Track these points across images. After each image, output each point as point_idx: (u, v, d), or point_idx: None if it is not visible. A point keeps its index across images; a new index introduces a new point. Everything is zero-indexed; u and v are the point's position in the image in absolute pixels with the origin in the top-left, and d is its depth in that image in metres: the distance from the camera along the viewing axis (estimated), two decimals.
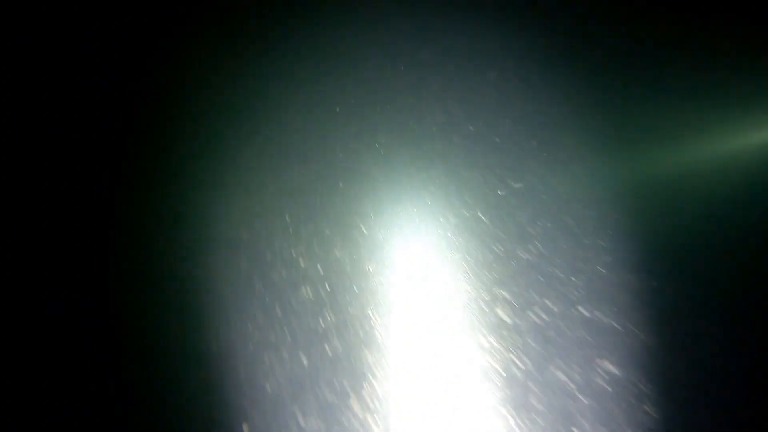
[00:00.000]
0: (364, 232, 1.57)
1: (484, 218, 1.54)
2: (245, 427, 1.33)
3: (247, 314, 1.49)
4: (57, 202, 1.67)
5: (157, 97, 1.86)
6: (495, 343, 1.37)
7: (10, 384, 1.40)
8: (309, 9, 1.99)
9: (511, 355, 1.34)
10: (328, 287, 1.49)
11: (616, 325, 1.34)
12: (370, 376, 1.35)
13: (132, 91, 1.87)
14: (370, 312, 1.45)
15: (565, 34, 1.79)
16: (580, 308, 1.38)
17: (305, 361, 1.40)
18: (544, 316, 1.38)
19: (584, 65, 1.72)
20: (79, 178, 1.71)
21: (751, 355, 1.27)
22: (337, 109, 1.78)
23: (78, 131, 1.78)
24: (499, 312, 1.41)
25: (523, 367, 1.32)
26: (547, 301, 1.40)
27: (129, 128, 1.82)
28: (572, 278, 1.42)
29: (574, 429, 1.23)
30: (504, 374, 1.32)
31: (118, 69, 1.89)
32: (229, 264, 1.58)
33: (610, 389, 1.26)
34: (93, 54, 1.89)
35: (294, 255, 1.57)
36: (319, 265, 1.54)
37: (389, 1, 1.96)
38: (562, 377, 1.29)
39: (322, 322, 1.45)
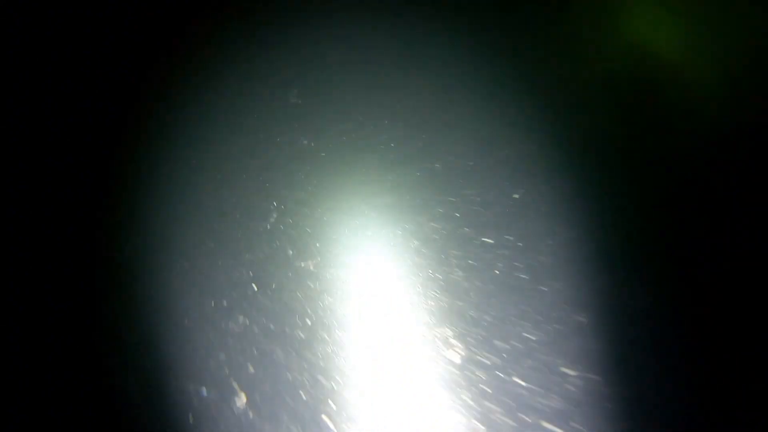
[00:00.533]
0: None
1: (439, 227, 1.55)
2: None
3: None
4: (33, 201, 1.67)
5: (142, 96, 1.87)
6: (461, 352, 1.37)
7: None
8: (298, 10, 2.00)
9: (479, 357, 1.34)
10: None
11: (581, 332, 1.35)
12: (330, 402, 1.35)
13: (114, 89, 1.87)
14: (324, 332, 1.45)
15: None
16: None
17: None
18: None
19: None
20: (64, 176, 1.71)
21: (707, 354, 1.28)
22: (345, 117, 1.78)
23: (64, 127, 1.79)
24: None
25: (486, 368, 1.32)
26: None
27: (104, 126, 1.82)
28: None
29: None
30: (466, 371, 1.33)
31: (106, 66, 1.89)
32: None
33: (574, 390, 1.26)
34: (79, 52, 1.89)
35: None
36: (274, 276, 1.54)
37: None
38: (524, 384, 1.29)
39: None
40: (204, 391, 1.38)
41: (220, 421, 1.34)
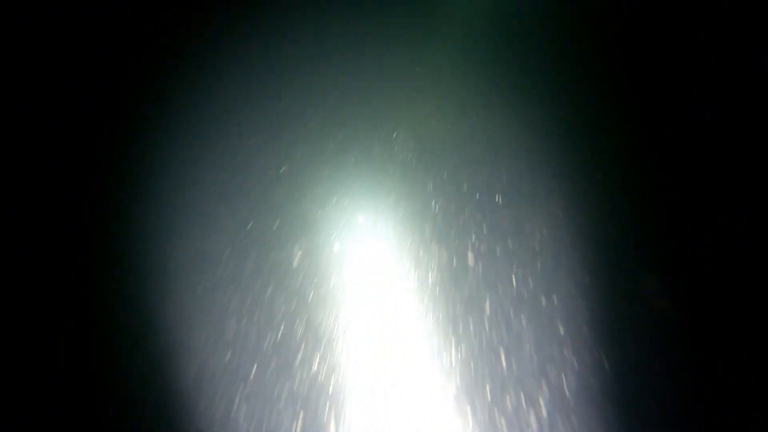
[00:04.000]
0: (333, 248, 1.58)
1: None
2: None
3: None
4: (31, 200, 1.67)
5: (142, 94, 1.87)
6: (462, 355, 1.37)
7: None
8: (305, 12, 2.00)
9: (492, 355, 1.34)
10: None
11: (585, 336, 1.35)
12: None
13: (115, 88, 1.87)
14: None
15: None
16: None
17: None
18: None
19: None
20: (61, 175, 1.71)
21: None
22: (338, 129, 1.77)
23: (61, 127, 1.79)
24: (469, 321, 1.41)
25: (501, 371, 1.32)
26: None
27: (107, 125, 1.82)
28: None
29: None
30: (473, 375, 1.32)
31: (103, 67, 1.89)
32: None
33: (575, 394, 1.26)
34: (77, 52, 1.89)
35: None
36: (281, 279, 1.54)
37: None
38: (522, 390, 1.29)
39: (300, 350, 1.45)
40: (205, 391, 1.38)
41: (221, 422, 1.34)
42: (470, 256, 1.50)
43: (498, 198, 1.58)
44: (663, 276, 1.39)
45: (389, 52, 1.90)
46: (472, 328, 1.40)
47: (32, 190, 1.68)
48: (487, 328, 1.39)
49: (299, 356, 1.41)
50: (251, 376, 1.39)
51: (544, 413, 1.26)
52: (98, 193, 1.70)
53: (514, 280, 1.45)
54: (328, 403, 1.34)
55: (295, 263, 1.54)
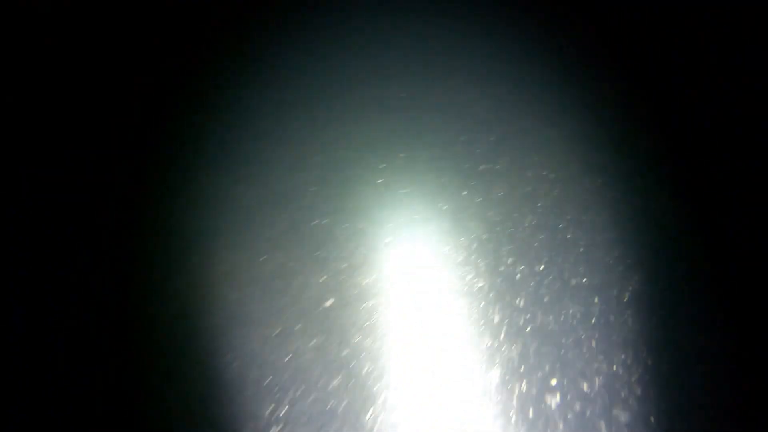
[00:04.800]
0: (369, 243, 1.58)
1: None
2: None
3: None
4: (50, 199, 1.67)
5: (158, 97, 1.86)
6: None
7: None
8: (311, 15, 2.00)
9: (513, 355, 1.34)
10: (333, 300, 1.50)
11: (625, 328, 1.35)
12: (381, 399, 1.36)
13: (131, 88, 1.87)
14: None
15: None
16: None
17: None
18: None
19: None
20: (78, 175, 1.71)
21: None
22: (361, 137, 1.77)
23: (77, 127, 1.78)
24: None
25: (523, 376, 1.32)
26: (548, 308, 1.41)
27: (128, 127, 1.82)
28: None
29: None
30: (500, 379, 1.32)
31: (115, 67, 1.89)
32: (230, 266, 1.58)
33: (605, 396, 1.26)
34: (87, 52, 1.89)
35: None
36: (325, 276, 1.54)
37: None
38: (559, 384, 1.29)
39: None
40: (221, 395, 1.38)
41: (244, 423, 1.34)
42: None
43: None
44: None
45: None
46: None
47: (33, 189, 1.68)
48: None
49: (342, 355, 1.41)
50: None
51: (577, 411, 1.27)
52: (101, 192, 1.70)
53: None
54: (371, 400, 1.34)
55: (348, 264, 1.54)
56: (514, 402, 1.29)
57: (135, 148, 1.77)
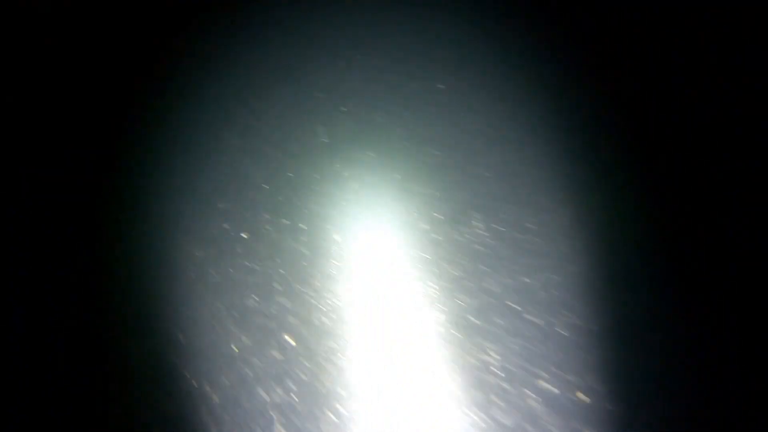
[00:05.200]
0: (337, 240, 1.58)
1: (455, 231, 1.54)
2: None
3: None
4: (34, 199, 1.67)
5: (144, 91, 1.87)
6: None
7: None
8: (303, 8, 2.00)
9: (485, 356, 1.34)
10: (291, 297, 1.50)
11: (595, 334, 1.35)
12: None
13: (117, 86, 1.87)
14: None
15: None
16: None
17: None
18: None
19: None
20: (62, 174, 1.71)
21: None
22: (343, 109, 1.78)
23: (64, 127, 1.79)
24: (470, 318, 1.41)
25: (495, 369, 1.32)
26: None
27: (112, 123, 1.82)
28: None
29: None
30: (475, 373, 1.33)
31: (106, 66, 1.89)
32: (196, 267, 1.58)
33: (585, 403, 1.27)
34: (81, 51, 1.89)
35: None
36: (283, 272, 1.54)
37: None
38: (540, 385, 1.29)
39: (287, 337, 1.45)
40: (211, 389, 1.39)
41: (220, 415, 1.34)
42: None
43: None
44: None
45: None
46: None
47: (34, 188, 1.68)
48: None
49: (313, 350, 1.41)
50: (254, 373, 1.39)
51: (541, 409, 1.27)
52: (101, 192, 1.71)
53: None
54: (330, 401, 1.34)
55: (305, 255, 1.54)
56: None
57: (135, 148, 1.78)
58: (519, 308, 1.40)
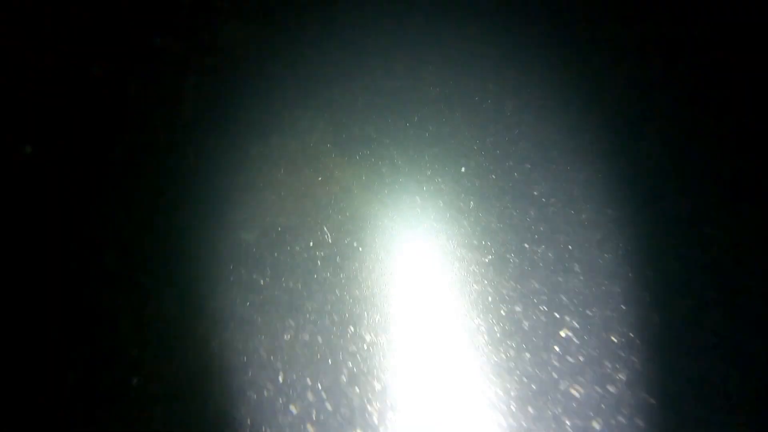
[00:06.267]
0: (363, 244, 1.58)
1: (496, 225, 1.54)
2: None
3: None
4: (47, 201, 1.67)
5: (153, 94, 1.86)
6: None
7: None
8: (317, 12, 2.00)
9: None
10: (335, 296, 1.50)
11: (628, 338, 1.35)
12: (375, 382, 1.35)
13: (123, 86, 1.86)
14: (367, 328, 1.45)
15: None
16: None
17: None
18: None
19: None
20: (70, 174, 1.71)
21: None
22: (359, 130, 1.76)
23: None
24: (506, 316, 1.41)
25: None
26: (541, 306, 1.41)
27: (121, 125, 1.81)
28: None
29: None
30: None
31: (109, 64, 1.88)
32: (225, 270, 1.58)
33: (612, 399, 1.26)
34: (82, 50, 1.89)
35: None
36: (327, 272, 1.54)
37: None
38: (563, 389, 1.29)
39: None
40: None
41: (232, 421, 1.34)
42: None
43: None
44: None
45: None
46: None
47: (34, 188, 1.68)
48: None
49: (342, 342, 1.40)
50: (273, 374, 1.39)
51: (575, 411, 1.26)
52: (107, 190, 1.70)
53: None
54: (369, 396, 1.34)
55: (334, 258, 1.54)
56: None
57: (134, 147, 1.77)
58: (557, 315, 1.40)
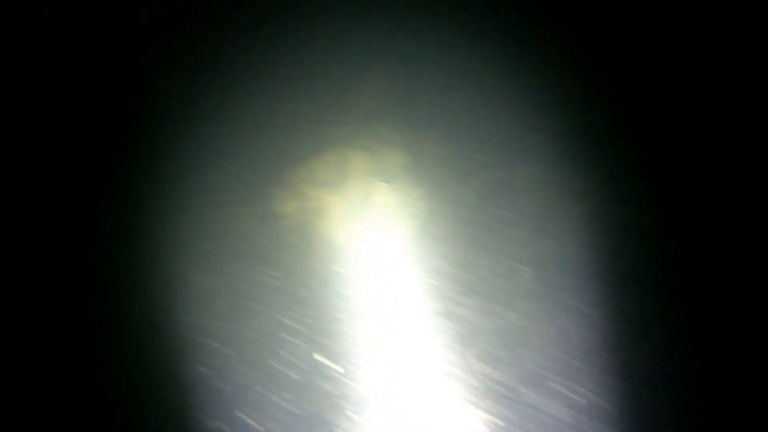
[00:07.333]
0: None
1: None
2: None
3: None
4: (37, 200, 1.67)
5: (140, 94, 1.86)
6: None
7: None
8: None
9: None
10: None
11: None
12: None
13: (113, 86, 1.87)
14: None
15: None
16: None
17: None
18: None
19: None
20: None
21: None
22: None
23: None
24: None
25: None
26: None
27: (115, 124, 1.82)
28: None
29: None
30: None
31: (105, 61, 1.88)
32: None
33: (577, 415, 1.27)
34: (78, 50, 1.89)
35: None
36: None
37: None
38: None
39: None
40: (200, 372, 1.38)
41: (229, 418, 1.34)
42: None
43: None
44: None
45: None
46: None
47: (34, 187, 1.68)
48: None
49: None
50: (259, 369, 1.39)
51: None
52: (102, 190, 1.70)
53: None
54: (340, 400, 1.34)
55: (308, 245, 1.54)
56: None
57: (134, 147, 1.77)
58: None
